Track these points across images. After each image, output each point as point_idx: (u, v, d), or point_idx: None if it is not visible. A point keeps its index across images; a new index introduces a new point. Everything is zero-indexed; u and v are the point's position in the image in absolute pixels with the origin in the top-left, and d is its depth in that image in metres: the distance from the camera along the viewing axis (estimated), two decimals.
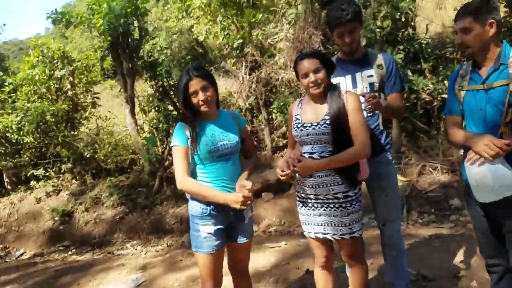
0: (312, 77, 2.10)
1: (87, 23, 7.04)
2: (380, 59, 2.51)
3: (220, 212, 2.20)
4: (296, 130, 2.24)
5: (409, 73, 5.87)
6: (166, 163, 7.03)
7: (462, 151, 2.22)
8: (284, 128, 7.06)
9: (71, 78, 7.88)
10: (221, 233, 2.22)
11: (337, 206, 2.20)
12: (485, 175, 1.81)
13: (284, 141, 6.96)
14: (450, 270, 3.12)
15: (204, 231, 2.19)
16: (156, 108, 7.35)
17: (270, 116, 7.11)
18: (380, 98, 2.47)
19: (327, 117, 2.12)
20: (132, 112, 7.12)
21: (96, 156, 7.32)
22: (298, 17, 6.52)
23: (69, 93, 7.88)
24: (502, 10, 7.20)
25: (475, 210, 2.09)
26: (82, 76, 8.17)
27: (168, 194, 6.28)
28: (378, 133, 2.54)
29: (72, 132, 7.60)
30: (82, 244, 6.08)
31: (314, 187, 2.21)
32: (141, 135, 7.25)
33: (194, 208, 2.22)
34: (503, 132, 1.84)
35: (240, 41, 6.88)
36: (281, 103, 6.22)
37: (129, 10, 6.71)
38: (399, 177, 4.84)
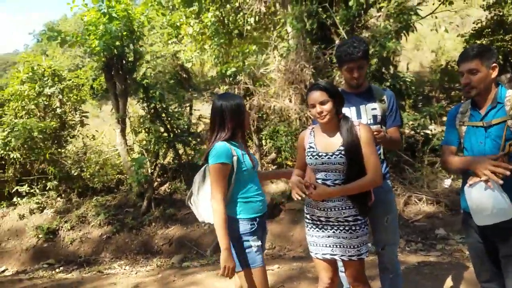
0: (318, 108, 2.25)
1: (81, 42, 7.18)
2: (383, 94, 2.75)
3: (259, 226, 2.36)
4: (311, 158, 2.35)
5: None
6: (155, 184, 7.03)
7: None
8: (273, 155, 7.22)
9: (60, 96, 7.87)
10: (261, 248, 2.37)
11: (347, 228, 2.32)
12: (484, 199, 1.98)
13: (274, 167, 7.11)
14: None
15: (256, 245, 2.28)
16: (147, 130, 7.42)
17: (260, 142, 7.28)
18: (383, 130, 2.70)
19: (342, 148, 2.26)
20: (123, 132, 7.15)
21: (83, 174, 7.24)
22: (290, 50, 6.85)
23: (58, 110, 7.84)
24: None
25: (473, 236, 2.26)
26: (71, 95, 8.16)
27: (156, 215, 6.26)
28: (380, 162, 2.73)
29: (59, 150, 7.51)
30: (68, 262, 5.91)
31: (325, 210, 2.33)
32: (130, 155, 7.26)
33: (242, 225, 2.27)
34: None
35: (234, 69, 7.12)
36: (271, 130, 6.40)
37: (125, 33, 6.89)
38: None
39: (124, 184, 7.48)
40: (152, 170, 7.14)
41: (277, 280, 4.05)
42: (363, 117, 2.70)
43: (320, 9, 6.32)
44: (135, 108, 7.67)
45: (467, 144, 2.23)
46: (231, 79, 7.24)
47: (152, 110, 7.15)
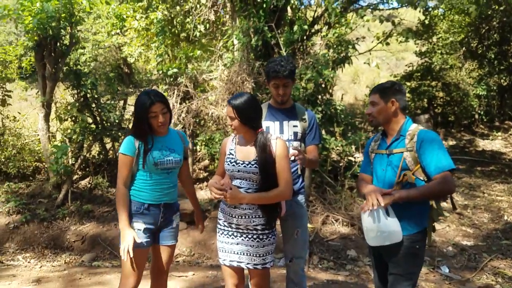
0: (229, 121, 2.43)
1: (14, 17, 6.67)
2: (305, 114, 2.93)
3: (151, 212, 2.51)
4: (228, 165, 2.46)
5: (324, 132, 6.56)
6: (75, 177, 6.65)
7: None
8: (206, 161, 7.20)
9: None
10: (148, 232, 2.48)
11: (254, 237, 2.43)
12: (372, 223, 2.20)
13: (205, 174, 7.07)
14: None
15: (135, 227, 2.45)
16: (73, 118, 7.03)
17: (195, 148, 7.23)
18: (301, 146, 2.86)
19: (257, 159, 2.38)
20: (47, 118, 6.70)
21: None
22: (234, 62, 6.96)
23: None
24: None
25: (373, 254, 2.53)
26: None
27: (72, 209, 5.91)
28: (296, 177, 2.88)
29: None
30: None
31: (237, 217, 2.43)
32: (51, 143, 6.80)
33: (131, 205, 2.50)
34: (396, 189, 2.28)
35: (175, 70, 7.05)
36: (207, 137, 6.41)
37: (63, 14, 6.54)
38: None
39: (42, 173, 7.01)
40: (74, 162, 6.75)
41: (189, 287, 4.04)
42: (285, 132, 2.85)
43: (266, 27, 6.51)
44: (64, 94, 7.24)
45: (374, 170, 2.46)
46: (171, 79, 7.15)
47: (82, 99, 6.80)
